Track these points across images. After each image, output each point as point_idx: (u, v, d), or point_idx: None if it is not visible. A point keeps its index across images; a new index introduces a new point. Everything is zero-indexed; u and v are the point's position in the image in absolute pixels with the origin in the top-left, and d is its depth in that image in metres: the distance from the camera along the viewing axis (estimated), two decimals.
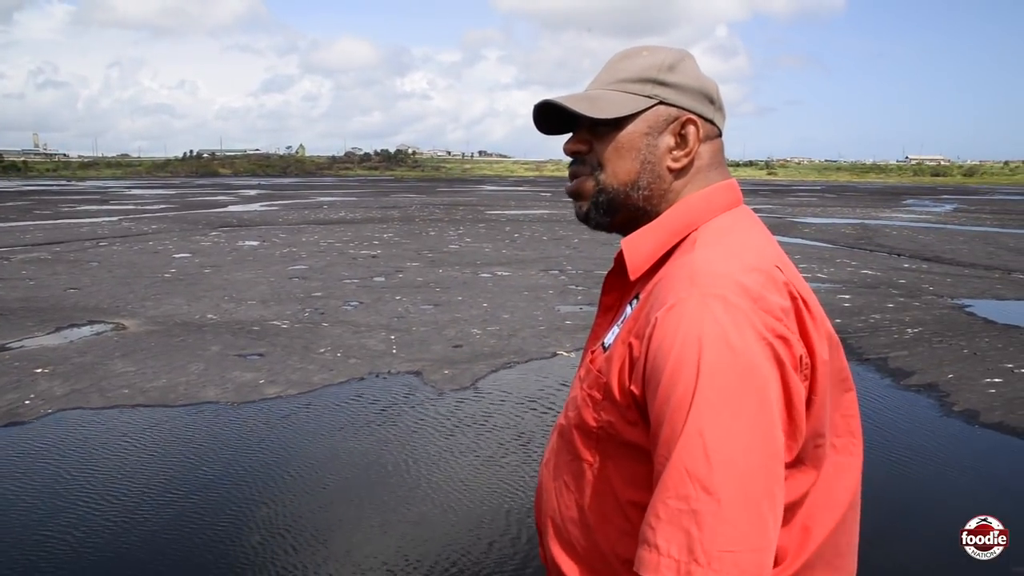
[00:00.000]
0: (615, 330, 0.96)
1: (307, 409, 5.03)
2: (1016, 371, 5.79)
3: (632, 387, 0.88)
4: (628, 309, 0.96)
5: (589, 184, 1.00)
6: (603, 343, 0.98)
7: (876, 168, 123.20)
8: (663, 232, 0.97)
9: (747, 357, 0.80)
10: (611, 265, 1.05)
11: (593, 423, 0.95)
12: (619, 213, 1.01)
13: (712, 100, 1.01)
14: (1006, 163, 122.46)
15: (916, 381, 5.64)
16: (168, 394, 5.23)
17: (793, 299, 0.88)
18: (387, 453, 4.31)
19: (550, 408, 5.08)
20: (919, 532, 3.45)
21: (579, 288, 9.61)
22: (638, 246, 0.98)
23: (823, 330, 0.91)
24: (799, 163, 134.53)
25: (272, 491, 3.80)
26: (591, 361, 0.99)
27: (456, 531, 3.40)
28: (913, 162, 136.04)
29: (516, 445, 4.44)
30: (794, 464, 0.88)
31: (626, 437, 0.91)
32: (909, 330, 7.22)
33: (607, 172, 0.99)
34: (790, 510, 0.88)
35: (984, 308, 8.44)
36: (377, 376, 5.76)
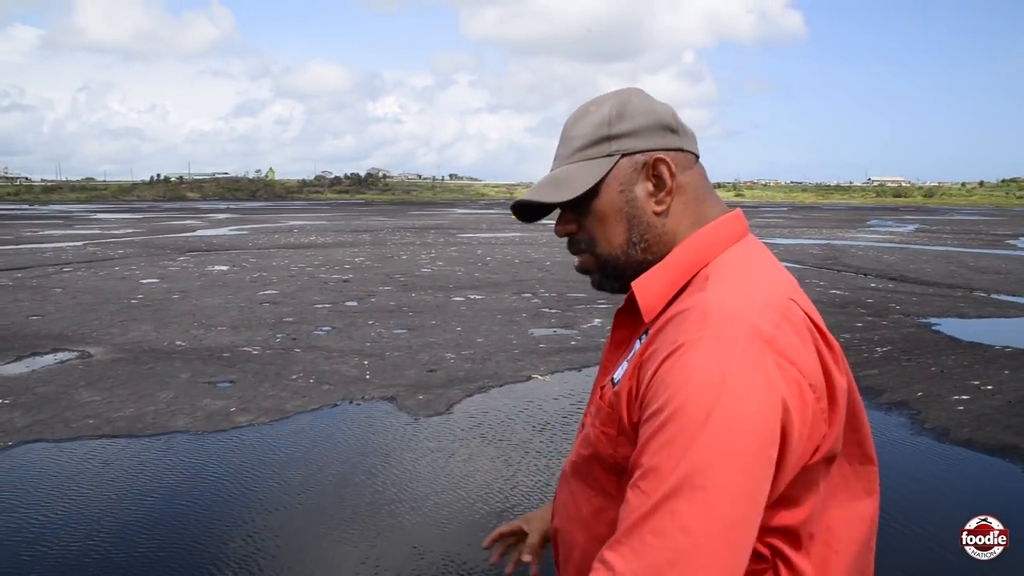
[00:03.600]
0: (624, 366, 0.94)
1: (279, 437, 4.93)
2: (982, 388, 5.90)
3: (635, 420, 0.87)
4: (637, 345, 0.94)
5: (591, 260, 1.01)
6: (612, 378, 0.96)
7: (840, 189, 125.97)
8: (673, 271, 0.95)
9: (751, 405, 0.78)
10: (621, 303, 1.03)
11: (610, 460, 0.93)
12: (628, 274, 0.99)
13: (672, 129, 0.98)
14: (963, 184, 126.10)
15: (887, 399, 5.71)
16: (136, 424, 5.09)
17: (810, 331, 0.88)
18: (361, 481, 4.23)
19: (526, 432, 5.05)
20: (895, 551, 3.47)
21: (552, 311, 9.61)
22: (649, 287, 0.95)
23: (841, 359, 0.91)
24: (765, 184, 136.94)
25: (244, 523, 3.70)
26: (601, 397, 0.97)
27: (434, 560, 3.34)
28: (875, 183, 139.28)
29: (493, 470, 4.40)
30: (796, 485, 0.86)
31: None
32: (879, 349, 7.33)
33: (601, 244, 0.98)
34: (803, 530, 0.88)
35: (949, 326, 8.63)
36: (351, 402, 5.68)
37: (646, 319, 0.95)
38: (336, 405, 5.60)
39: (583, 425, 1.05)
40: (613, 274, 1.00)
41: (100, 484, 4.17)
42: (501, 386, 6.13)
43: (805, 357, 0.85)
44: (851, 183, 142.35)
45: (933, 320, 9.01)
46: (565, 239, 1.03)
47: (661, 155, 0.95)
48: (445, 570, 3.25)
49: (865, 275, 13.65)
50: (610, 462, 0.93)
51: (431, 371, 6.53)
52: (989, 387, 5.93)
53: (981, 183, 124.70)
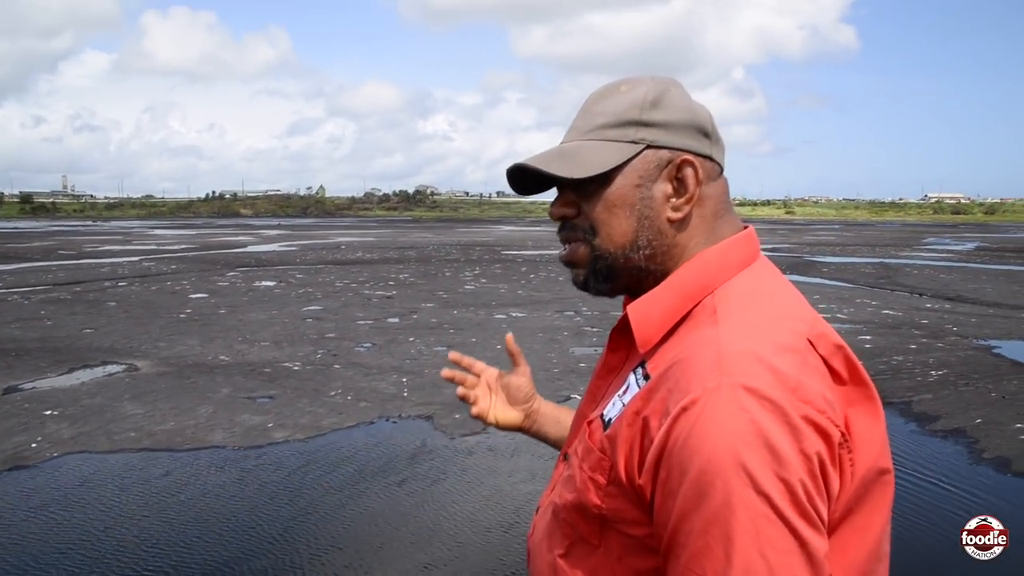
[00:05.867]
0: (617, 403, 0.84)
1: (313, 454, 4.93)
2: None
3: (641, 480, 0.77)
4: (632, 380, 0.84)
5: (584, 251, 0.89)
6: (603, 416, 0.86)
7: (895, 206, 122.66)
8: (675, 297, 0.85)
9: (790, 464, 0.70)
10: (616, 321, 0.94)
11: (595, 510, 0.83)
12: (620, 278, 0.89)
13: (707, 133, 0.88)
14: None
15: (942, 426, 5.44)
16: (175, 437, 5.16)
17: (832, 373, 0.79)
18: (394, 500, 4.19)
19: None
20: None
21: (594, 330, 9.50)
22: (647, 314, 0.85)
23: (866, 390, 0.81)
24: (816, 202, 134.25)
25: (274, 539, 3.69)
26: (590, 435, 0.87)
27: None
28: (933, 200, 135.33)
29: (526, 492, 4.31)
30: None
31: (631, 529, 0.81)
32: (933, 372, 7.03)
33: (601, 236, 0.87)
34: None
35: (1012, 349, 8.22)
36: (387, 420, 5.66)
37: (641, 350, 0.85)
38: (372, 423, 5.59)
39: (565, 455, 0.96)
40: (604, 273, 0.89)
41: (135, 497, 4.21)
42: None
43: (834, 405, 0.76)
44: (903, 199, 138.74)
45: (994, 343, 8.61)
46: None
47: (689, 157, 0.86)
48: None
49: (920, 295, 13.18)
50: (595, 512, 0.83)
51: None
52: None
53: None
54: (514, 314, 10.84)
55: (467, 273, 17.27)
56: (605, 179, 0.86)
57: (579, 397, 5.08)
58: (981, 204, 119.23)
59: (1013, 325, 9.90)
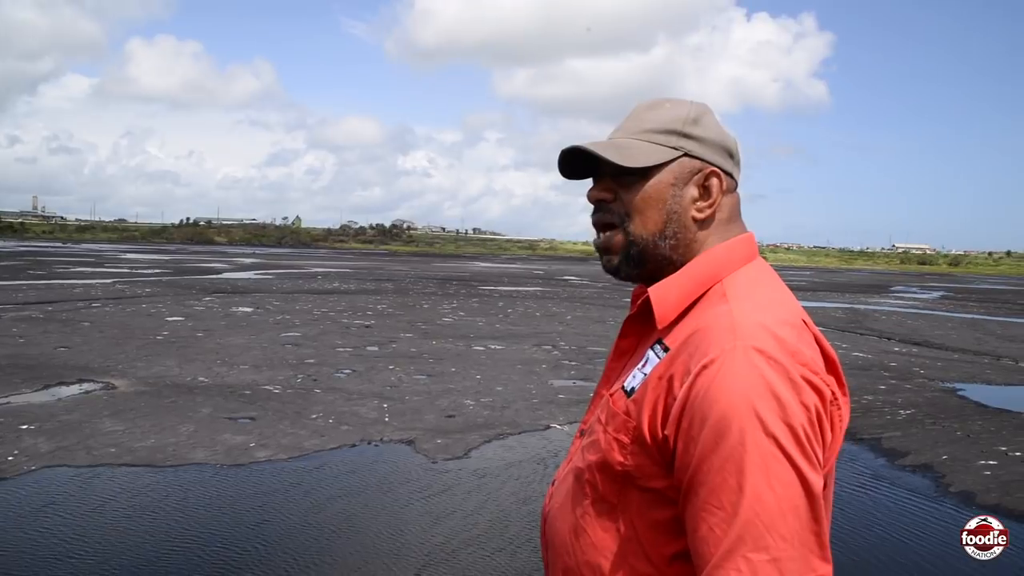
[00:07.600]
0: (637, 375, 0.97)
1: (297, 473, 4.95)
2: (1010, 454, 5.79)
3: (666, 431, 0.90)
4: (651, 354, 0.97)
5: (619, 237, 1.03)
6: (624, 387, 0.98)
7: (864, 255, 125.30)
8: (690, 282, 0.99)
9: (793, 411, 0.84)
10: (631, 309, 1.07)
11: (619, 468, 0.95)
12: (648, 264, 1.03)
13: (732, 155, 1.05)
14: (990, 254, 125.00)
15: (911, 461, 5.61)
16: (156, 454, 5.14)
17: (822, 352, 0.94)
18: (378, 521, 4.22)
19: (544, 479, 5.02)
20: None
21: (572, 363, 9.61)
22: (666, 295, 0.99)
23: (838, 373, 0.96)
24: (788, 248, 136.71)
25: (257, 556, 3.70)
26: (613, 403, 0.99)
27: None
28: (900, 250, 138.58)
29: (512, 515, 4.37)
30: None
31: (651, 483, 0.92)
32: (902, 412, 7.23)
33: (635, 223, 1.01)
34: None
35: (975, 392, 8.49)
36: (369, 443, 5.69)
37: (660, 325, 0.99)
38: (354, 445, 5.61)
39: (582, 432, 1.08)
40: (635, 259, 1.03)
41: (118, 511, 4.20)
42: (519, 434, 6.11)
43: (823, 370, 0.91)
44: (870, 248, 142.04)
45: (958, 385, 8.87)
46: (592, 229, 1.06)
47: (716, 170, 1.02)
48: None
49: (888, 339, 13.51)
50: (618, 470, 0.95)
51: (450, 416, 6.53)
52: (1017, 453, 5.81)
53: (1008, 253, 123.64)
54: (492, 346, 10.91)
55: (445, 306, 17.32)
56: (645, 174, 1.01)
57: (558, 426, 5.19)
58: (946, 255, 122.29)
59: (976, 369, 10.21)
